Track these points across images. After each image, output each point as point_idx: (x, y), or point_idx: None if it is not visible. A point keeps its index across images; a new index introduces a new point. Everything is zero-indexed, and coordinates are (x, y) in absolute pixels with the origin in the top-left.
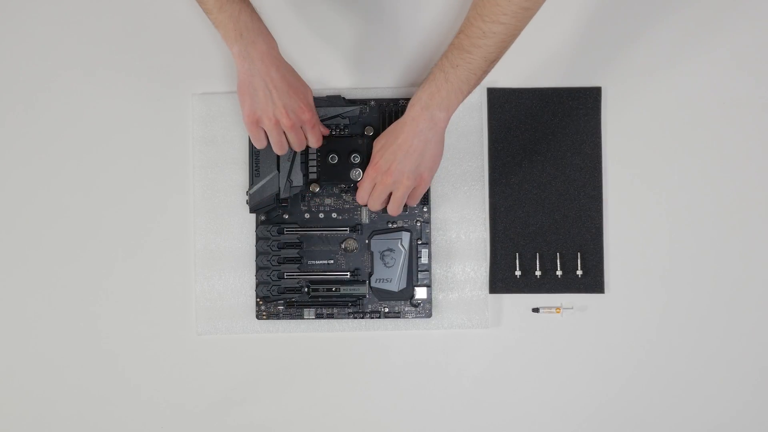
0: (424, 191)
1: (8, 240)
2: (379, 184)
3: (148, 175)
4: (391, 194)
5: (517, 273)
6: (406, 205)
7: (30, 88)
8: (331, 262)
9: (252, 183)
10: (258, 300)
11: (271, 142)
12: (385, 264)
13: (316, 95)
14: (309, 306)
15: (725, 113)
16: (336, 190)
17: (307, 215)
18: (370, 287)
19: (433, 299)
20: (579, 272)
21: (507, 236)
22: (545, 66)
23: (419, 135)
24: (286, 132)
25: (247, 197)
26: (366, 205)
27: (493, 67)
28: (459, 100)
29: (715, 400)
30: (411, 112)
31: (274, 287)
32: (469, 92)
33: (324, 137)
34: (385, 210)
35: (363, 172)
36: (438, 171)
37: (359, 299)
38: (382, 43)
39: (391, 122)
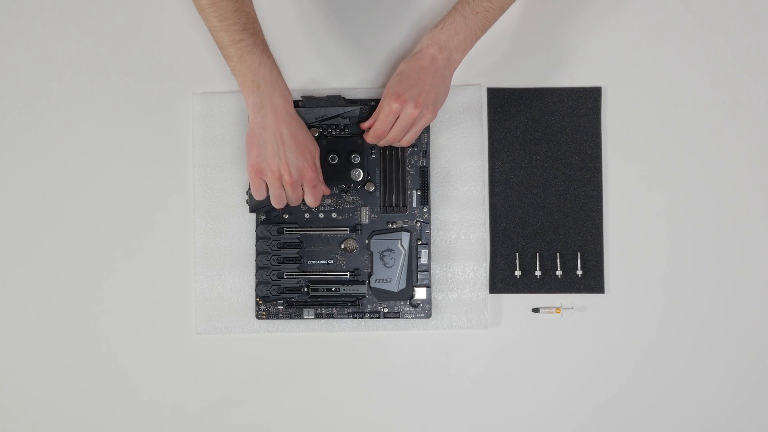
0: (424, 126)
1: (8, 240)
2: (385, 107)
3: (148, 174)
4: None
5: (517, 273)
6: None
7: (30, 88)
8: (331, 262)
9: None
10: (258, 300)
11: (270, 195)
12: (384, 264)
13: (316, 95)
14: (309, 306)
15: (725, 113)
16: (336, 190)
17: (307, 215)
18: (370, 287)
19: (432, 299)
20: (579, 272)
21: (507, 236)
22: (545, 66)
23: (437, 72)
24: (285, 187)
25: (247, 197)
26: (369, 130)
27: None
28: (473, 44)
29: (715, 400)
30: (429, 51)
31: (273, 287)
32: (479, 38)
33: (325, 178)
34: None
35: (363, 172)
36: (438, 172)
37: (359, 299)
38: (382, 43)
39: None
